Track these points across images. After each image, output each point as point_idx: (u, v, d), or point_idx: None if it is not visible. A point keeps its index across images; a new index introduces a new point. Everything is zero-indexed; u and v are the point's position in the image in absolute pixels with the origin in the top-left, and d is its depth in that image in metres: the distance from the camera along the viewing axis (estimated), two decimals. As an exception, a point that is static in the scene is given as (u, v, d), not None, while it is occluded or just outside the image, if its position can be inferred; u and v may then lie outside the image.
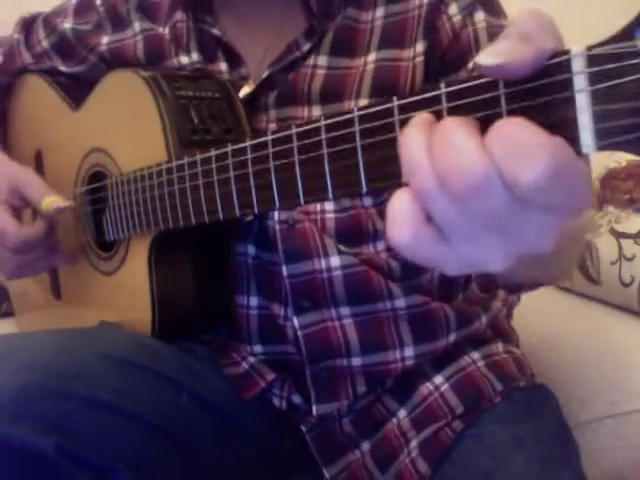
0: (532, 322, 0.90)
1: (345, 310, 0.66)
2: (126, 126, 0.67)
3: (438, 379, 0.69)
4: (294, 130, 0.40)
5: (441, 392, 0.68)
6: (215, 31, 0.70)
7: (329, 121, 0.37)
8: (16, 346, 0.62)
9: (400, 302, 0.67)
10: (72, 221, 0.77)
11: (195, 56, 0.70)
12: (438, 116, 0.31)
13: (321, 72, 0.66)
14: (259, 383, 0.70)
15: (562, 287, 1.18)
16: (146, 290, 0.67)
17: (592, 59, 0.25)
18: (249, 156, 0.44)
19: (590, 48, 0.25)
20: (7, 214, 0.71)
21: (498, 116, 0.29)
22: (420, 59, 0.65)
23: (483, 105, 0.29)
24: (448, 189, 0.29)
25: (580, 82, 0.26)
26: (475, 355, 0.71)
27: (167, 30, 0.73)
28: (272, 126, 0.67)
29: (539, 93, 0.27)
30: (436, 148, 0.29)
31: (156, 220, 0.59)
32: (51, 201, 0.69)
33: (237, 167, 0.46)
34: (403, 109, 0.33)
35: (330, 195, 0.38)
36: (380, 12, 0.67)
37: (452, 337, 0.69)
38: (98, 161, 0.73)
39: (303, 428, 0.70)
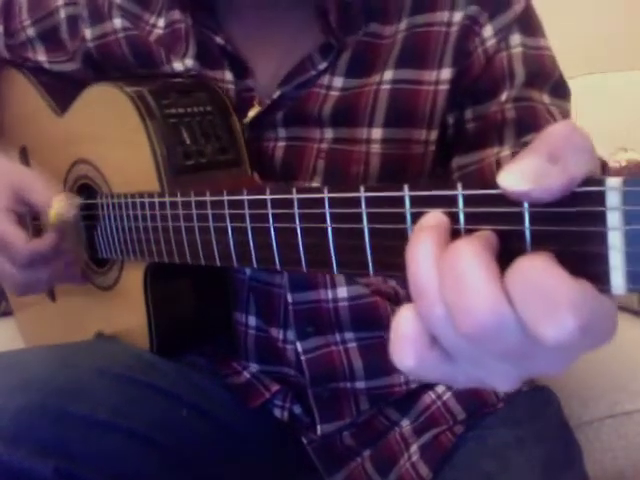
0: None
1: (349, 335, 0.65)
2: (114, 144, 0.64)
3: (440, 388, 0.69)
4: (295, 195, 0.37)
5: (444, 401, 0.68)
6: (219, 39, 0.64)
7: (334, 195, 0.35)
8: (14, 362, 0.61)
9: None
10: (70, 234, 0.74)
11: (190, 63, 0.65)
12: (453, 217, 0.28)
13: (335, 94, 0.62)
14: (263, 394, 0.69)
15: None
16: (142, 311, 0.65)
17: (629, 196, 0.23)
18: (246, 211, 0.42)
19: (627, 183, 0.23)
20: (13, 224, 0.64)
21: (520, 235, 0.26)
22: (445, 87, 0.60)
23: (503, 219, 0.27)
24: (456, 325, 0.26)
25: (614, 219, 0.23)
26: None
27: (162, 23, 0.67)
28: (281, 144, 0.64)
29: (568, 220, 0.24)
30: (446, 277, 0.26)
31: (150, 251, 0.57)
32: (59, 207, 0.63)
33: (234, 219, 0.44)
34: (415, 202, 0.30)
35: (335, 271, 0.36)
36: (404, 24, 0.61)
37: None
38: (86, 173, 0.70)
39: (304, 440, 0.70)
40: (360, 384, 0.66)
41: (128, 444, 0.59)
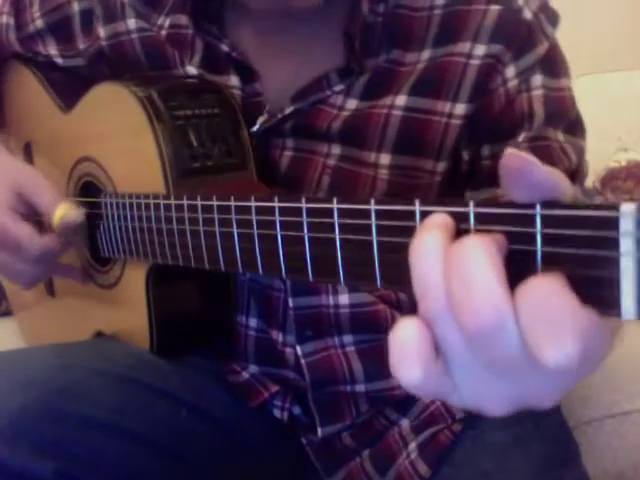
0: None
1: (348, 338, 0.65)
2: (120, 144, 0.64)
3: None
4: (304, 204, 0.37)
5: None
6: (224, 47, 0.63)
7: (343, 206, 0.35)
8: (13, 362, 0.61)
9: None
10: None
11: (193, 70, 0.65)
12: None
13: (346, 114, 0.61)
14: (262, 393, 0.69)
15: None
16: (143, 311, 0.65)
17: None
18: (254, 217, 0.42)
19: None
20: (20, 222, 0.64)
21: (531, 256, 0.26)
22: (457, 122, 0.60)
23: (516, 240, 0.27)
24: (460, 323, 0.26)
25: (627, 244, 0.23)
26: None
27: (167, 24, 0.66)
28: (288, 154, 0.63)
29: (579, 243, 0.25)
30: (453, 275, 0.26)
31: (154, 253, 0.57)
32: (64, 214, 0.63)
33: (241, 225, 0.44)
34: (426, 216, 0.30)
35: (342, 282, 0.36)
36: (427, 54, 0.60)
37: None
38: (90, 171, 0.70)
39: (303, 440, 0.70)
40: (360, 387, 0.67)
41: (128, 445, 0.59)
